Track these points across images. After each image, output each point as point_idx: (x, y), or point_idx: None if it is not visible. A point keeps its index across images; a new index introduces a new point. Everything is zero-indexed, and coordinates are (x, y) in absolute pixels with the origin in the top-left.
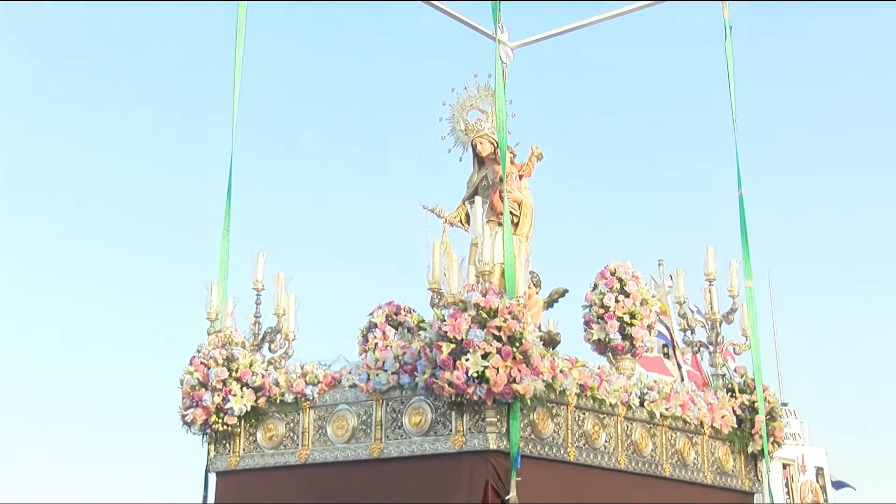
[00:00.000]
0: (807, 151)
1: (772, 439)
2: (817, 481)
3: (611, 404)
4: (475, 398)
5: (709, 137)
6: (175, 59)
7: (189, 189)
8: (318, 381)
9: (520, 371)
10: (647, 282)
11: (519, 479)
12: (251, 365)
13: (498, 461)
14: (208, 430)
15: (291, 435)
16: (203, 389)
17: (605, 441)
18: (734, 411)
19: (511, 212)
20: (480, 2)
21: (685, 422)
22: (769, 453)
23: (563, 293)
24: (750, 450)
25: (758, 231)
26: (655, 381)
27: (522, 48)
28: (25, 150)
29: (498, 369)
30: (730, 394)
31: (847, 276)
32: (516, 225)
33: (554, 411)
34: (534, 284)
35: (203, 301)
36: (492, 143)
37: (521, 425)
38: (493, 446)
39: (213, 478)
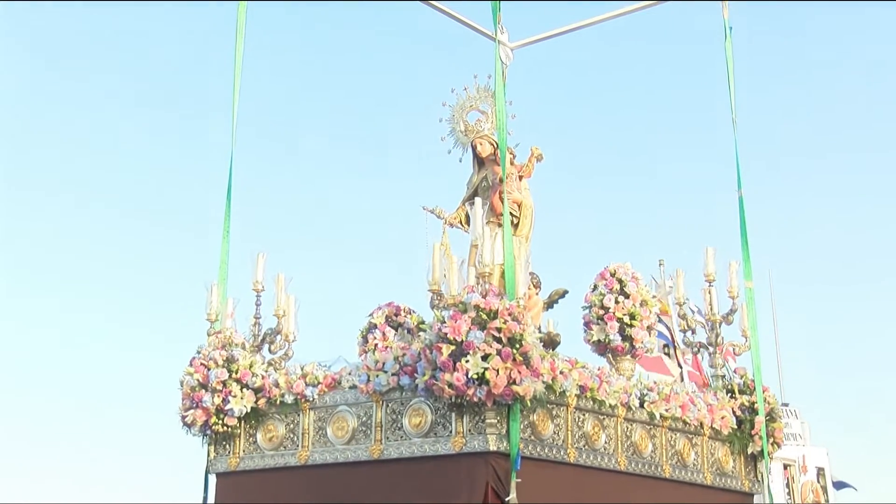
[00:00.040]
0: (806, 151)
1: (771, 440)
2: (818, 482)
3: (611, 405)
4: (475, 400)
5: (709, 138)
6: (175, 59)
7: (189, 189)
8: (318, 383)
9: (520, 372)
10: (648, 282)
11: (519, 480)
12: (251, 366)
13: (498, 462)
14: (208, 432)
15: (291, 436)
16: (203, 390)
17: (605, 442)
18: (734, 412)
19: (511, 213)
20: (480, 2)
21: (685, 423)
22: (769, 454)
23: (563, 294)
24: (750, 451)
25: (758, 231)
26: (655, 383)
27: (522, 48)
28: (25, 151)
29: (498, 371)
30: (729, 395)
31: (847, 275)
32: (516, 226)
33: (554, 412)
34: (534, 285)
35: (203, 302)
36: (492, 144)
37: (521, 426)
38: (493, 448)
39: (213, 479)
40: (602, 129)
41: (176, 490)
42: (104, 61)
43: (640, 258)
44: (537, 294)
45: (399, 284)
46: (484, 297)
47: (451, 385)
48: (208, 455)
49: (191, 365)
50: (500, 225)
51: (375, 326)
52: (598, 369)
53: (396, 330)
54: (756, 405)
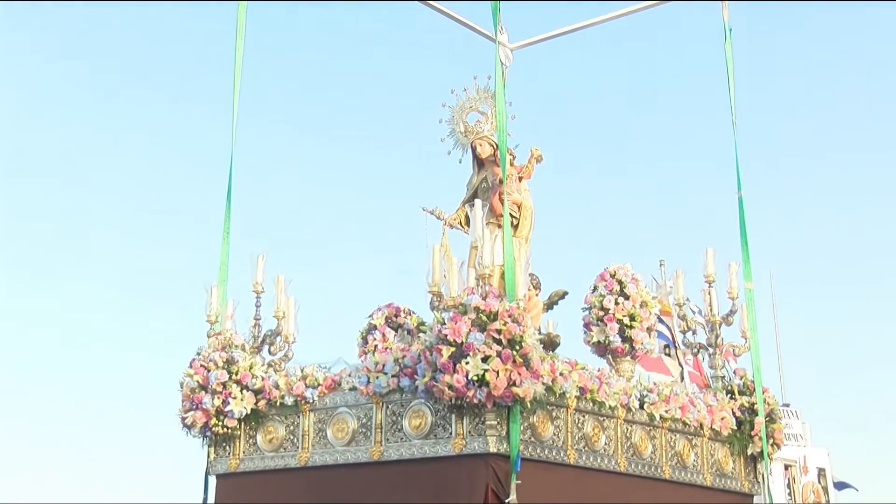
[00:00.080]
0: (807, 152)
1: (771, 441)
2: (819, 482)
3: (610, 407)
4: (475, 401)
5: (709, 139)
6: (175, 59)
7: (189, 189)
8: (318, 384)
9: (520, 374)
10: (649, 282)
11: (519, 481)
12: (251, 367)
13: (498, 464)
14: (208, 433)
15: (291, 438)
16: (203, 392)
17: (605, 443)
18: (734, 413)
19: (511, 214)
20: (479, 2)
21: (685, 424)
22: (769, 455)
23: (563, 295)
24: (749, 452)
25: (759, 232)
26: (655, 384)
27: (522, 49)
28: (25, 151)
29: (498, 372)
30: (729, 396)
31: (847, 276)
32: (516, 227)
33: (554, 414)
34: (533, 287)
35: (203, 303)
36: (491, 145)
37: (521, 428)
38: (493, 449)
39: (212, 480)
40: (602, 130)
41: (176, 491)
42: (104, 61)
43: (640, 259)
44: (537, 295)
45: (399, 285)
46: (484, 298)
47: (451, 387)
48: (208, 456)
49: (191, 366)
50: (499, 226)
51: (375, 327)
52: (598, 371)
53: (396, 331)
54: (756, 406)
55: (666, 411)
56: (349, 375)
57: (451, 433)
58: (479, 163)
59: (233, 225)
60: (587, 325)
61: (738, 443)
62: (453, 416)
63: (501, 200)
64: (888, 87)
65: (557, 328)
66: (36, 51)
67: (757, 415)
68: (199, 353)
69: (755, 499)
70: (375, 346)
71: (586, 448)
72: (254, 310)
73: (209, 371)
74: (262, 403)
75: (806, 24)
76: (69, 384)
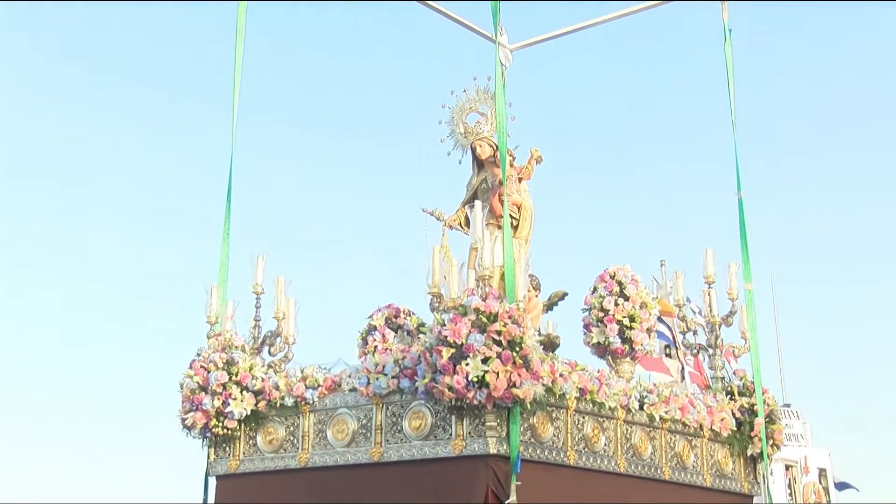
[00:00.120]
0: (806, 152)
1: (771, 442)
2: (820, 482)
3: (610, 408)
4: (475, 402)
5: (709, 138)
6: (175, 59)
7: (189, 190)
8: (318, 385)
9: (520, 375)
10: (650, 282)
11: (519, 482)
12: (251, 368)
13: (498, 465)
14: (208, 434)
15: (291, 438)
16: (203, 393)
17: (605, 444)
18: (733, 414)
19: (511, 215)
20: (479, 2)
21: (684, 425)
22: (768, 456)
23: (563, 296)
24: (749, 452)
25: (760, 232)
26: (655, 385)
27: (521, 50)
28: (25, 151)
29: (498, 374)
30: (729, 397)
31: (848, 276)
32: (516, 228)
33: (554, 415)
34: (533, 288)
35: (203, 304)
36: (491, 146)
37: (521, 429)
38: (493, 450)
39: (212, 481)
40: (602, 131)
41: (176, 492)
42: (104, 61)
43: (640, 260)
44: (537, 296)
45: (399, 285)
46: (484, 299)
47: (451, 388)
48: (208, 457)
49: (191, 367)
50: (499, 227)
51: (375, 328)
52: (598, 372)
53: (396, 332)
54: (756, 407)
55: (666, 412)
56: (349, 376)
57: (451, 434)
58: (479, 164)
59: (233, 225)
60: (587, 326)
61: (738, 444)
62: (453, 417)
63: (501, 201)
64: (888, 87)
65: (557, 329)
66: (36, 51)
67: (757, 416)
68: (199, 355)
69: (755, 499)
70: (375, 347)
71: (586, 449)
72: (254, 311)
73: (209, 372)
74: (262, 404)
75: (806, 24)
76: (69, 384)
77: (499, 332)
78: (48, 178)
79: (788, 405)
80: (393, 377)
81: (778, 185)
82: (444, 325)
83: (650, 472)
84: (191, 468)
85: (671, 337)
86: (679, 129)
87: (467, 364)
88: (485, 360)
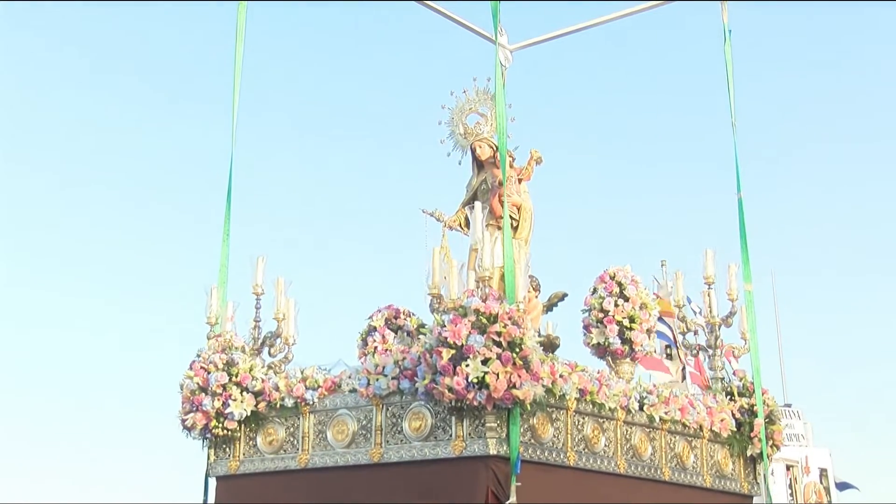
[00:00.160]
0: (806, 151)
1: (771, 443)
2: (821, 482)
3: (610, 408)
4: (475, 403)
5: (709, 138)
6: (175, 59)
7: (189, 190)
8: (318, 386)
9: (520, 376)
10: (650, 282)
11: (519, 483)
12: (251, 369)
13: (498, 466)
14: (208, 435)
15: (291, 439)
16: (203, 394)
17: (605, 445)
18: (733, 415)
19: (510, 216)
20: (478, 2)
21: (684, 425)
22: (768, 457)
23: (563, 297)
24: (749, 453)
25: (762, 232)
26: (655, 385)
27: (521, 50)
28: (25, 151)
29: (498, 375)
30: (729, 397)
31: (850, 276)
32: (515, 229)
33: (554, 416)
34: (533, 288)
35: (203, 305)
36: (491, 147)
37: (521, 430)
38: (493, 451)
39: (212, 482)
40: (602, 131)
41: (176, 493)
42: (104, 61)
43: (640, 260)
44: (537, 297)
45: (398, 286)
46: (484, 301)
47: (451, 389)
48: (208, 458)
49: (191, 368)
50: (499, 228)
51: (375, 329)
52: (598, 372)
53: (396, 333)
54: (755, 408)
55: (665, 413)
56: (349, 377)
57: (451, 435)
58: (479, 165)
59: (233, 226)
60: (587, 327)
61: (738, 444)
62: (453, 418)
63: (501, 202)
64: (888, 87)
65: (557, 330)
66: (36, 51)
67: (756, 416)
68: (198, 355)
69: (755, 500)
70: (375, 347)
71: (586, 450)
72: (254, 312)
73: (209, 373)
74: (262, 405)
75: (806, 24)
76: (69, 384)
77: (499, 334)
78: (48, 178)
79: (789, 405)
80: (393, 378)
81: (778, 184)
82: (444, 326)
83: (650, 473)
84: (191, 469)
85: (672, 337)
86: (679, 129)
87: (467, 365)
88: (485, 362)
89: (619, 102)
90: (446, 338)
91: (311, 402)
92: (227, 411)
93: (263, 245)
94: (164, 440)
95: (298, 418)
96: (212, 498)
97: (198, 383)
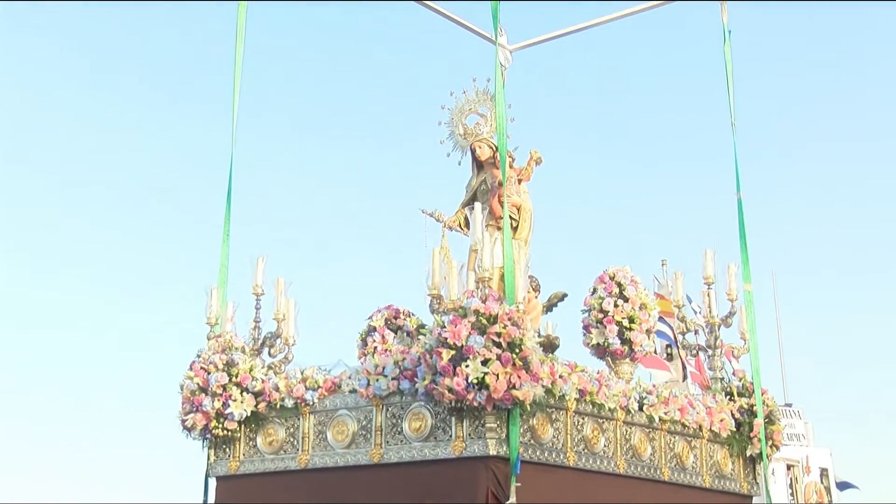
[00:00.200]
0: (806, 151)
1: (770, 443)
2: (822, 482)
3: (610, 409)
4: (475, 404)
5: (709, 138)
6: (175, 59)
7: (189, 190)
8: (318, 386)
9: (519, 377)
10: (650, 282)
11: (519, 484)
12: (251, 370)
13: (498, 466)
14: (208, 435)
15: (291, 440)
16: (203, 394)
17: (605, 445)
18: (733, 415)
19: (510, 216)
20: (478, 2)
21: (684, 425)
22: (768, 457)
23: (563, 298)
24: (748, 453)
25: (760, 232)
26: (654, 386)
27: (521, 51)
28: (25, 151)
29: (498, 375)
30: (728, 397)
31: (851, 276)
32: (515, 229)
33: (553, 416)
34: (533, 289)
35: (203, 305)
36: (491, 148)
37: (521, 430)
38: (492, 452)
39: (212, 482)
40: (601, 131)
41: (176, 493)
42: (104, 61)
43: (640, 260)
44: (536, 297)
45: (398, 286)
46: (484, 301)
47: (451, 390)
48: (208, 459)
49: (191, 369)
50: (499, 229)
51: (375, 329)
52: (598, 373)
53: (396, 333)
54: (755, 408)
55: (665, 413)
56: (349, 378)
57: (450, 436)
58: (479, 165)
59: (233, 226)
60: (586, 328)
61: (737, 444)
62: (453, 418)
63: (501, 203)
64: (888, 87)
65: (557, 330)
66: (36, 51)
67: (756, 416)
68: (199, 356)
69: (754, 500)
70: (375, 348)
71: (586, 450)
72: (254, 312)
73: (209, 373)
74: (262, 406)
75: (806, 24)
76: (69, 384)
77: (498, 334)
78: (48, 178)
79: (790, 405)
80: (393, 378)
81: (778, 185)
82: (444, 326)
83: (650, 473)
84: (191, 469)
85: (672, 337)
86: (679, 129)
87: (467, 366)
88: (485, 362)
89: (619, 102)
90: (446, 338)
91: (311, 403)
92: (227, 412)
93: (263, 245)
94: (164, 440)
95: (298, 419)
96: (212, 498)
97: (198, 384)
